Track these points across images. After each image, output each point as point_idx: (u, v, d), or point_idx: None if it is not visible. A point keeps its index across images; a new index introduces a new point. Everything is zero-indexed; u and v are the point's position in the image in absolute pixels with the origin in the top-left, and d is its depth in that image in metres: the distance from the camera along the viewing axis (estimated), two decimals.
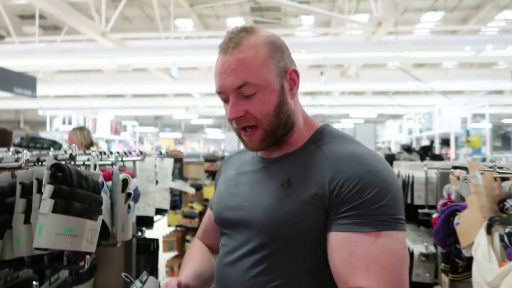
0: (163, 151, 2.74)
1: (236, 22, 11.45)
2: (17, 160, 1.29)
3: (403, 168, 2.76)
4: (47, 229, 1.11)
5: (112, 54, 7.39)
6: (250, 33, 0.86)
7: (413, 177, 2.46)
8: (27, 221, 1.17)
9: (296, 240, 0.82)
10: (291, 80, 0.89)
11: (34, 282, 1.13)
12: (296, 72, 0.90)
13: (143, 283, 0.85)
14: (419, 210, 2.39)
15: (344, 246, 0.76)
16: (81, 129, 3.46)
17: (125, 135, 12.77)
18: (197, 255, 1.04)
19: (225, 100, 0.88)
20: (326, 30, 10.75)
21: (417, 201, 2.42)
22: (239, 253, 0.87)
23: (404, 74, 9.45)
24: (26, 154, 1.23)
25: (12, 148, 2.05)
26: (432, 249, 2.39)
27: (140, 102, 14.07)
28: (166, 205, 2.34)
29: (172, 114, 16.98)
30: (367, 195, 0.76)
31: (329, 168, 0.81)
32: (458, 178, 1.89)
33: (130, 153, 2.34)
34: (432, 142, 6.38)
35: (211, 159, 4.00)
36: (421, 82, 9.35)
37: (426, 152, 4.58)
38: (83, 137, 3.26)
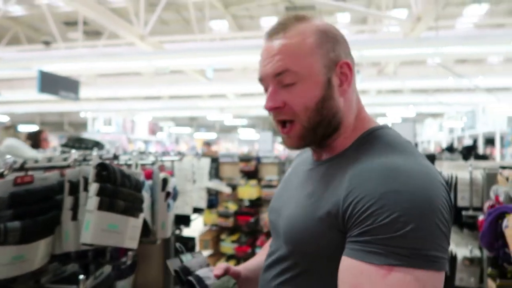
0: (199, 151, 2.79)
1: (270, 22, 11.46)
2: (65, 160, 1.35)
3: (446, 168, 2.65)
4: (93, 225, 1.16)
5: (150, 57, 7.59)
6: (301, 20, 0.79)
7: (456, 177, 2.36)
8: (74, 217, 1.22)
9: (314, 257, 0.75)
10: (342, 74, 0.79)
11: (80, 276, 1.18)
12: (348, 65, 0.80)
13: (194, 256, 0.93)
14: (463, 212, 2.29)
15: (349, 275, 0.66)
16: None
17: (161, 135, 13.10)
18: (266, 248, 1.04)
19: (267, 89, 0.81)
20: (363, 27, 10.54)
21: (460, 203, 2.32)
22: (272, 259, 0.85)
23: (445, 71, 9.09)
24: (74, 154, 1.29)
25: (59, 148, 2.15)
26: (477, 252, 2.28)
27: (176, 103, 14.38)
28: (203, 204, 2.38)
29: (207, 115, 17.24)
30: (382, 220, 0.63)
31: (347, 183, 0.70)
32: (507, 179, 1.80)
33: (168, 153, 2.40)
34: (475, 141, 6.11)
35: (245, 159, 4.01)
36: (463, 79, 8.96)
37: (469, 152, 4.38)
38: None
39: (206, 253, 4.01)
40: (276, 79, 0.77)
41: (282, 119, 0.79)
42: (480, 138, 8.49)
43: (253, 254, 3.82)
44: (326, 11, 10.18)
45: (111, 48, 9.62)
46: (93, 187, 1.19)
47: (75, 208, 1.23)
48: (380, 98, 13.60)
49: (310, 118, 0.77)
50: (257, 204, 4.00)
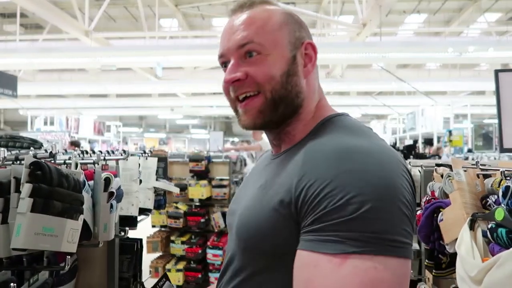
0: (147, 151, 2.71)
1: (221, 22, 11.41)
2: None
3: None
4: (25, 229, 1.08)
5: (96, 53, 7.27)
6: (268, 2, 0.76)
7: None
8: (4, 221, 1.13)
9: (270, 254, 0.65)
10: (307, 55, 0.75)
11: (11, 284, 1.10)
12: (313, 46, 0.76)
13: None
14: None
15: (303, 270, 0.57)
16: None
17: (108, 135, 12.62)
18: None
19: (225, 65, 0.75)
20: (312, 31, 10.73)
21: None
22: (226, 260, 0.77)
23: (388, 74, 9.56)
24: (3, 152, 1.20)
25: None
26: (416, 246, 2.41)
27: (124, 102, 13.90)
28: (150, 204, 2.30)
29: (157, 114, 16.85)
30: (335, 204, 0.55)
31: (299, 168, 0.63)
32: (442, 176, 1.91)
33: (113, 152, 2.30)
34: (415, 141, 6.48)
35: (196, 158, 3.96)
36: (404, 83, 9.47)
37: (409, 151, 4.64)
38: None
39: (156, 255, 3.90)
40: (239, 52, 0.72)
41: (243, 92, 0.72)
42: (419, 138, 9.03)
43: (204, 254, 3.77)
44: None
45: (52, 43, 9.10)
46: (26, 187, 1.11)
47: (5, 211, 1.13)
48: (329, 100, 13.97)
49: (274, 89, 0.70)
50: (208, 204, 3.95)
